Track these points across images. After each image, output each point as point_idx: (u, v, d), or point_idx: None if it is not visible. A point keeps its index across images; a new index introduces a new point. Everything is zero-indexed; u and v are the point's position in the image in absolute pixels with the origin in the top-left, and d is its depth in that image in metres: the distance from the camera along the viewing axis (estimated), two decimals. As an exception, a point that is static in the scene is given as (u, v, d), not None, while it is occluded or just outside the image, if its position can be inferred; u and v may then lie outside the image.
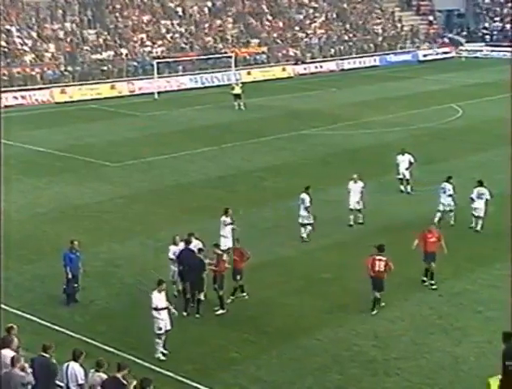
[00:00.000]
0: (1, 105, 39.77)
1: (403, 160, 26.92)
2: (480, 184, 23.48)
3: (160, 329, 15.58)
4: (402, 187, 27.13)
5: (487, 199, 23.18)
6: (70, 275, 17.83)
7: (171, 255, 18.34)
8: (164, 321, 15.61)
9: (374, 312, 17.59)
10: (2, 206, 24.11)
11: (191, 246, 18.05)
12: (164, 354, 15.65)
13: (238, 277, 18.11)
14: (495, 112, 41.98)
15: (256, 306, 17.95)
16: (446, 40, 69.02)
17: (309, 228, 22.22)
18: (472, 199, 23.23)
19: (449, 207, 23.55)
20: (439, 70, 59.12)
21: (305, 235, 22.23)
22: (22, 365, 12.38)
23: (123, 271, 20.10)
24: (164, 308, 15.62)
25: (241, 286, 18.26)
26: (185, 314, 17.44)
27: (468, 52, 66.96)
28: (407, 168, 26.92)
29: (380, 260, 17.46)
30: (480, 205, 23.11)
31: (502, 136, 35.80)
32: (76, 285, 17.94)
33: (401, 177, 27.06)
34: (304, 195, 22.13)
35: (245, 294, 18.35)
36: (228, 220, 20.10)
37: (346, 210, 24.10)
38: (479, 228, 23.17)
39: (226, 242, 19.83)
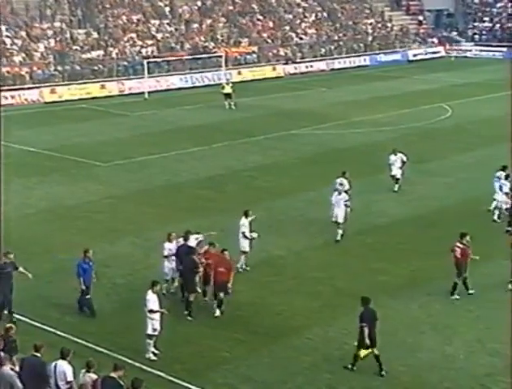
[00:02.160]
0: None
1: (396, 160, 27.00)
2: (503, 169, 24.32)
3: (155, 330, 15.59)
4: (396, 187, 27.14)
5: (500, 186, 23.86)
6: (83, 287, 17.41)
7: (165, 253, 18.36)
8: (158, 321, 15.63)
9: (454, 297, 18.29)
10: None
11: (190, 242, 18.13)
12: (155, 354, 15.66)
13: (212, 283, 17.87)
14: (484, 111, 42.22)
15: (246, 306, 17.96)
16: (437, 39, 69.11)
17: (349, 209, 22.89)
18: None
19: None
20: (429, 69, 59.31)
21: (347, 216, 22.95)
22: (11, 366, 12.41)
23: (114, 272, 20.06)
24: (159, 310, 15.63)
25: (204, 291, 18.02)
26: (186, 312, 17.49)
27: (458, 52, 67.21)
28: (400, 168, 27.01)
29: (458, 247, 18.16)
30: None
31: (491, 136, 36.04)
32: (88, 296, 17.57)
33: (393, 175, 27.09)
34: (343, 180, 23.33)
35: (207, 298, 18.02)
36: (247, 222, 19.82)
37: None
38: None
39: (245, 244, 19.81)
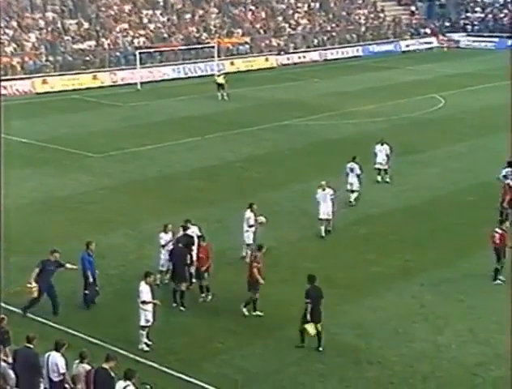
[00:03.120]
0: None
1: (381, 150, 26.95)
2: (510, 165, 23.94)
3: (148, 321, 15.60)
4: (379, 178, 27.08)
5: None
6: (91, 279, 17.33)
7: (162, 242, 18.40)
8: (150, 313, 15.64)
9: (496, 282, 18.53)
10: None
11: (188, 232, 18.29)
12: (147, 345, 15.68)
13: (206, 276, 17.82)
14: (477, 102, 42.29)
15: (240, 297, 17.97)
16: (429, 30, 69.07)
17: (356, 194, 24.23)
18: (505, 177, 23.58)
19: None
20: (421, 60, 59.34)
21: (352, 200, 24.25)
22: (3, 357, 12.41)
23: (107, 263, 20.00)
24: (151, 301, 15.65)
25: (206, 286, 17.94)
26: (174, 304, 17.52)
27: (450, 42, 67.19)
28: (386, 162, 26.88)
29: (497, 233, 18.54)
30: None
31: (484, 126, 36.13)
32: (98, 288, 17.52)
33: (378, 166, 27.02)
34: (353, 164, 24.24)
35: (209, 293, 17.94)
36: (252, 215, 19.85)
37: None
38: None
39: (250, 237, 19.87)
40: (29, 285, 16.78)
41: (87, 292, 17.51)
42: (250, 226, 19.86)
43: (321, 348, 15.54)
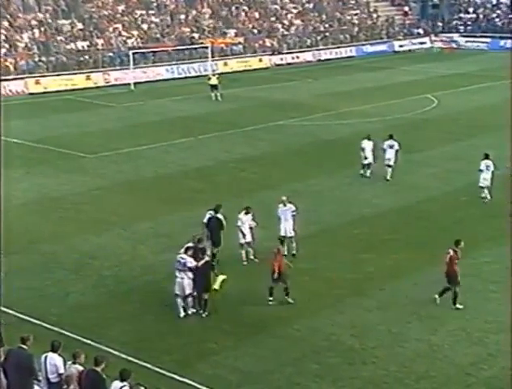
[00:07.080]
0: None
1: (368, 145, 27.15)
2: (487, 157, 24.70)
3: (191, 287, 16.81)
4: (361, 171, 27.37)
5: (492, 171, 24.47)
6: None
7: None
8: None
9: None
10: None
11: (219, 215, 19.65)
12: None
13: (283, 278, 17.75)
14: (470, 102, 42.39)
15: (234, 297, 17.97)
16: (423, 30, 69.23)
17: (391, 169, 26.82)
18: (481, 171, 24.47)
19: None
20: (414, 60, 59.47)
21: (388, 176, 26.82)
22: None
23: (100, 263, 19.99)
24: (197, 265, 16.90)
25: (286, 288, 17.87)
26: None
27: (443, 42, 67.34)
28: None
29: None
30: (488, 176, 24.35)
31: (477, 126, 36.22)
32: None
33: (365, 162, 27.24)
34: (392, 141, 26.89)
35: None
36: (247, 217, 19.98)
37: (323, 199, 24.18)
38: (489, 197, 24.60)
39: (246, 238, 20.05)
40: None
41: None
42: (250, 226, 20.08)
43: (204, 315, 16.87)
